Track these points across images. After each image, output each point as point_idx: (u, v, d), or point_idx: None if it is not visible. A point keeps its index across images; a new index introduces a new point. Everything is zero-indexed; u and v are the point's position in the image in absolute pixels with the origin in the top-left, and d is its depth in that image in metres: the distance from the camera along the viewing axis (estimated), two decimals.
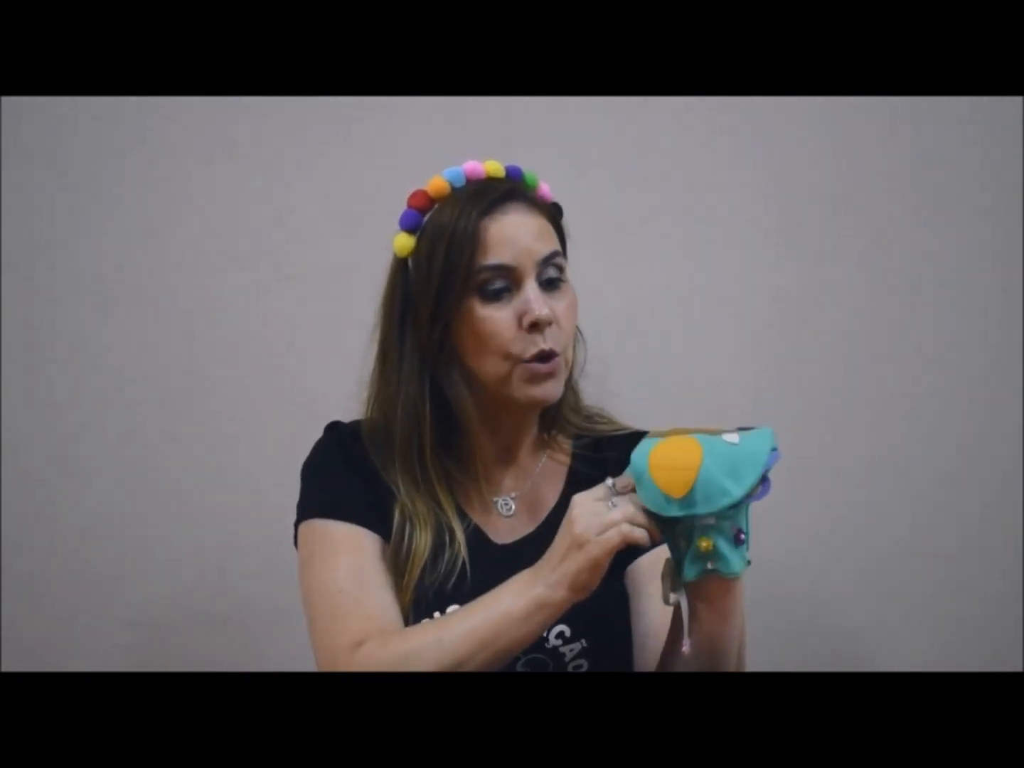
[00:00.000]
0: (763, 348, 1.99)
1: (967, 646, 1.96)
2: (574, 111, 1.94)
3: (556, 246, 1.49)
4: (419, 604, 1.45)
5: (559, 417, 1.55)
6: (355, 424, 1.55)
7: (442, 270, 1.44)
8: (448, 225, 1.45)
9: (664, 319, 1.99)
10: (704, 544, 1.25)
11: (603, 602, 1.44)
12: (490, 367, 1.45)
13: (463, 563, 1.46)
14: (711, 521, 1.25)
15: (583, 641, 1.45)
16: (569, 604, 1.31)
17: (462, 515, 1.50)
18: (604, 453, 1.54)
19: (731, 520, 1.26)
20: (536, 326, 1.43)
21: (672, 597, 1.29)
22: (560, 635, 1.45)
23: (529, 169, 1.55)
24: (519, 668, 1.44)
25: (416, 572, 1.45)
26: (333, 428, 1.55)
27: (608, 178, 1.97)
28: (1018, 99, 1.94)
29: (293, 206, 1.99)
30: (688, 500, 1.24)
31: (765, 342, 1.99)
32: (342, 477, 1.50)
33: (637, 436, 1.48)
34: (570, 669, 1.45)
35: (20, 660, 1.95)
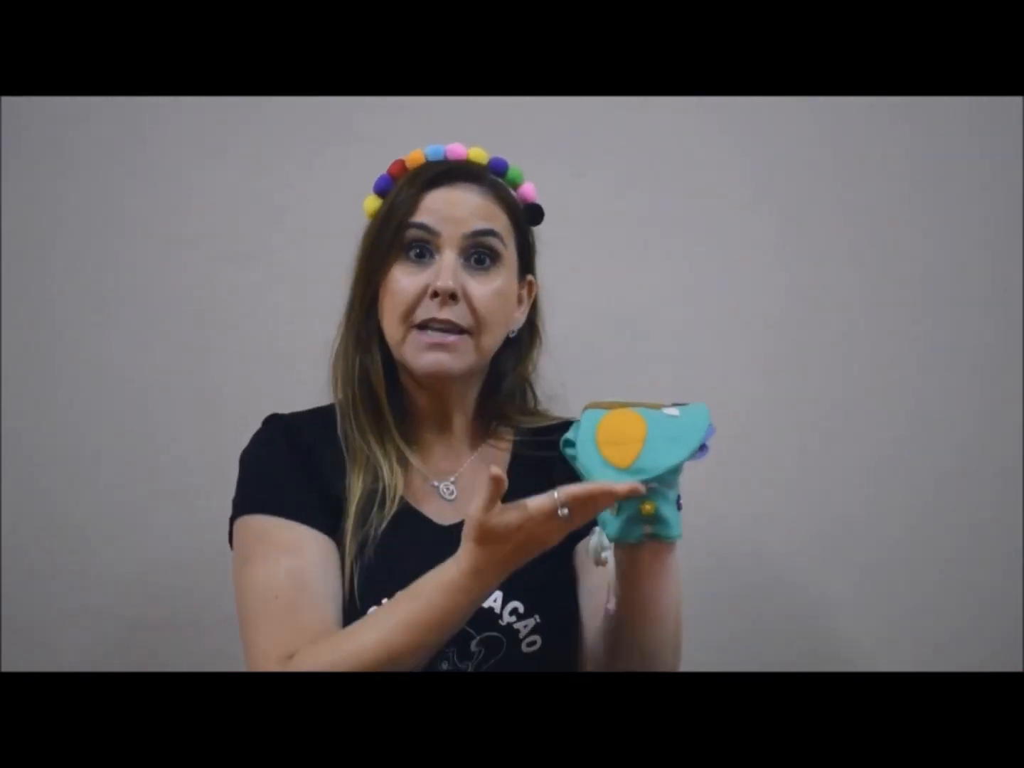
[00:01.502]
0: (763, 349, 1.99)
1: (967, 646, 1.96)
2: (574, 111, 1.94)
3: (493, 226, 1.49)
4: (362, 555, 1.44)
5: (500, 414, 1.56)
6: (298, 414, 1.56)
7: (377, 230, 1.51)
8: (397, 190, 1.51)
9: (664, 320, 1.98)
10: (647, 508, 1.29)
11: (556, 578, 1.48)
12: (391, 329, 1.49)
13: (395, 515, 1.46)
14: (653, 486, 1.29)
15: (536, 617, 1.46)
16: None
17: (402, 466, 1.50)
18: (550, 436, 1.52)
19: (673, 487, 1.31)
20: (436, 295, 1.45)
21: (603, 555, 1.33)
22: (514, 612, 1.45)
23: (517, 166, 1.57)
24: (473, 647, 1.44)
25: (351, 513, 1.45)
26: (273, 420, 1.55)
27: (607, 178, 1.97)
28: (1018, 99, 1.94)
29: (293, 206, 1.99)
30: (634, 468, 1.29)
31: (765, 343, 1.99)
32: (283, 470, 1.48)
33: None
34: (524, 646, 1.45)
35: (20, 660, 1.95)
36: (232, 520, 1.51)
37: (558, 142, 1.94)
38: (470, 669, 1.44)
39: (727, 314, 1.98)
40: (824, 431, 1.98)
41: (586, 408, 1.36)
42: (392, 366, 1.52)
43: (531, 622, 1.46)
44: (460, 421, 1.55)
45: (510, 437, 1.57)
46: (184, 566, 1.98)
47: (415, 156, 1.55)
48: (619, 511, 1.31)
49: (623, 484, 1.27)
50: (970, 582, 1.97)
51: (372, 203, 1.55)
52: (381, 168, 1.88)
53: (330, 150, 1.98)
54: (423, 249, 1.48)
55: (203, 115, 1.97)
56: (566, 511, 1.27)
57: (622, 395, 1.40)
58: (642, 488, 1.27)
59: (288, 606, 1.39)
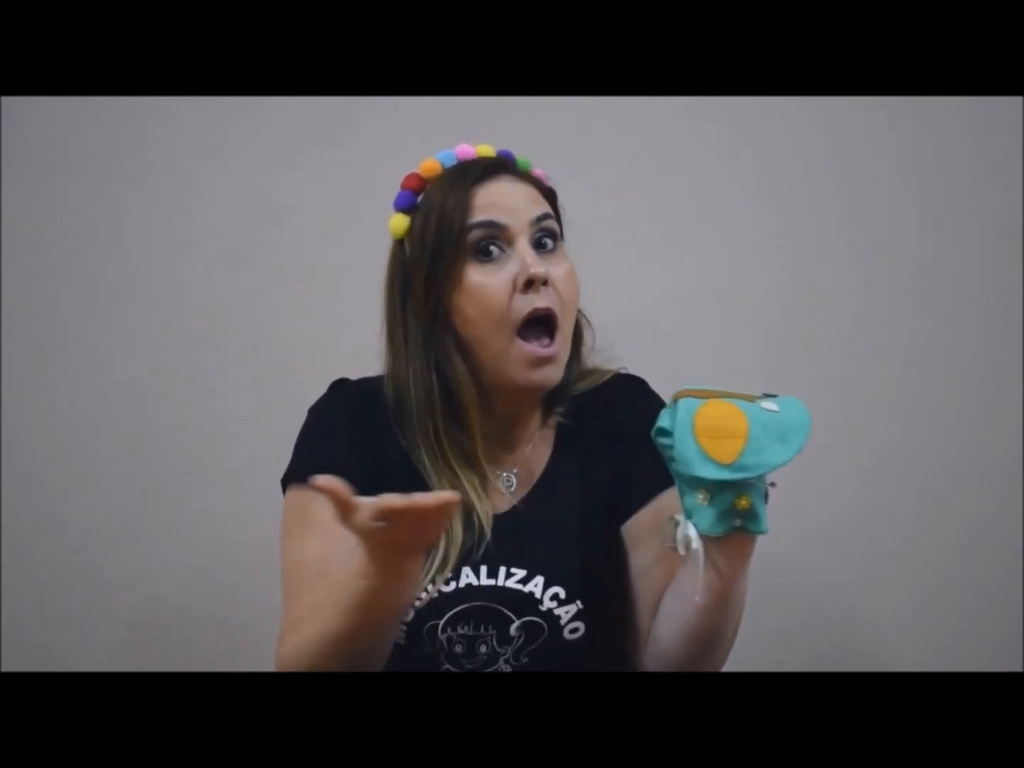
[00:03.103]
0: (763, 348, 1.99)
1: (967, 646, 1.96)
2: (574, 111, 1.94)
3: (548, 210, 1.48)
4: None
5: (564, 399, 1.54)
6: (368, 381, 1.54)
7: (434, 239, 1.45)
8: (439, 198, 1.47)
9: (665, 319, 1.99)
10: (743, 503, 1.28)
11: (599, 564, 1.46)
12: (487, 337, 1.44)
13: (486, 540, 1.46)
14: (751, 481, 1.28)
15: (578, 603, 1.45)
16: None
17: (485, 487, 1.49)
18: (584, 399, 1.53)
19: (764, 481, 1.30)
20: (531, 284, 1.42)
21: (693, 546, 1.30)
22: (555, 597, 1.45)
23: (522, 156, 1.55)
24: (513, 632, 1.44)
25: (453, 558, 1.44)
26: (339, 385, 1.55)
27: (607, 179, 1.97)
28: (1018, 99, 1.94)
29: (293, 206, 1.99)
30: (737, 465, 1.27)
31: (765, 342, 1.99)
32: (339, 442, 1.48)
33: (619, 379, 1.55)
34: (567, 633, 1.44)
35: (20, 660, 1.95)
36: (284, 483, 1.51)
37: (558, 142, 1.94)
38: (509, 654, 1.44)
39: (726, 314, 1.98)
40: (824, 431, 1.98)
41: (678, 396, 1.31)
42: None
43: (572, 608, 1.44)
44: (528, 414, 1.53)
45: (558, 410, 1.54)
46: (184, 566, 1.98)
47: (430, 165, 1.50)
48: (712, 504, 1.29)
49: (433, 499, 1.19)
50: (970, 582, 1.97)
51: (400, 222, 1.50)
52: (381, 168, 1.88)
53: (330, 150, 1.98)
54: (493, 245, 1.44)
55: (203, 115, 1.97)
56: (382, 523, 1.19)
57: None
58: (455, 503, 1.21)
59: (307, 587, 1.42)
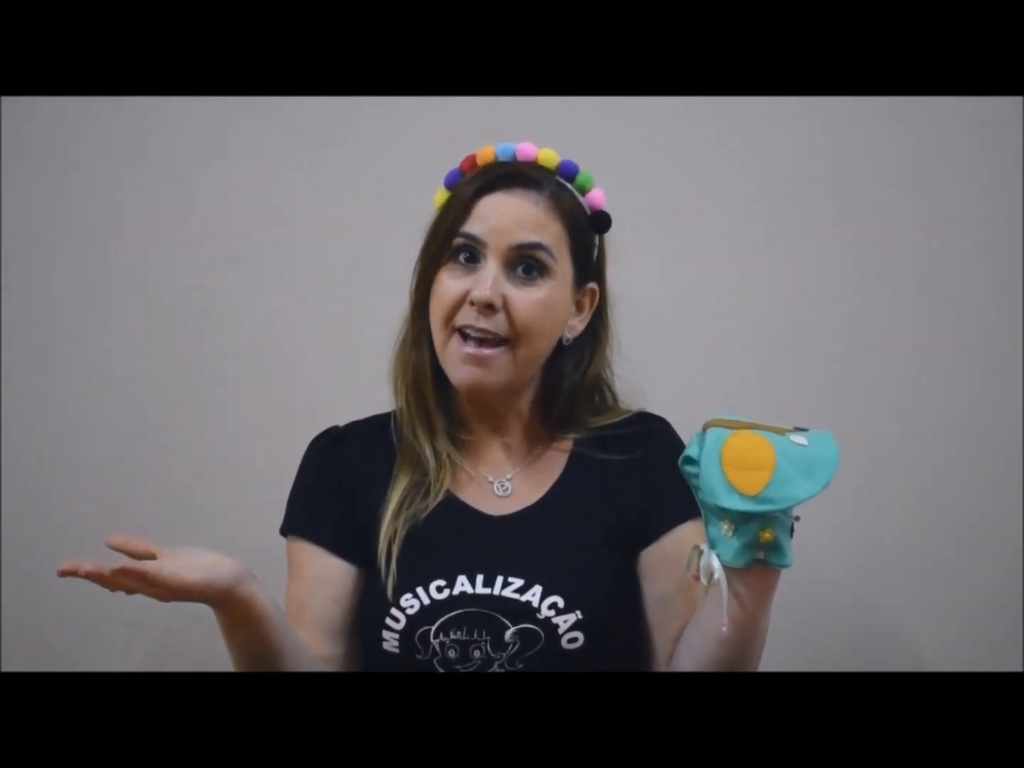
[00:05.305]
0: (762, 348, 1.98)
1: (967, 646, 1.96)
2: (573, 111, 1.94)
3: (543, 239, 1.48)
4: (397, 544, 1.48)
5: (565, 418, 1.54)
6: (352, 424, 1.59)
7: (433, 228, 1.50)
8: (458, 191, 1.50)
9: (662, 319, 1.99)
10: (766, 535, 1.29)
11: (603, 578, 1.47)
12: (435, 332, 1.49)
13: (442, 509, 1.49)
14: (776, 515, 1.29)
15: (578, 613, 1.45)
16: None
17: (451, 463, 1.52)
18: (606, 431, 1.54)
19: (789, 516, 1.31)
20: (474, 305, 1.45)
21: (715, 576, 1.31)
22: (553, 606, 1.45)
23: (587, 171, 1.56)
24: (508, 638, 1.44)
25: (391, 502, 1.49)
26: (315, 441, 1.60)
27: (605, 180, 1.96)
28: (1018, 99, 1.93)
29: (293, 206, 1.99)
30: (762, 497, 1.28)
31: (764, 342, 1.98)
32: (311, 493, 1.56)
33: (641, 417, 1.56)
34: (565, 642, 1.44)
35: (20, 660, 1.95)
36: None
37: (556, 143, 1.94)
38: (504, 659, 1.44)
39: (725, 313, 1.98)
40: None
41: (707, 426, 1.32)
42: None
43: (571, 618, 1.45)
44: (516, 424, 1.55)
45: (572, 437, 1.55)
46: None
47: (486, 153, 1.52)
48: (736, 535, 1.29)
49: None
50: (970, 582, 1.97)
51: (441, 197, 1.54)
52: (381, 168, 1.89)
53: (330, 150, 1.98)
54: (472, 254, 1.47)
55: (203, 115, 1.97)
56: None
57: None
58: (107, 572, 1.30)
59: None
